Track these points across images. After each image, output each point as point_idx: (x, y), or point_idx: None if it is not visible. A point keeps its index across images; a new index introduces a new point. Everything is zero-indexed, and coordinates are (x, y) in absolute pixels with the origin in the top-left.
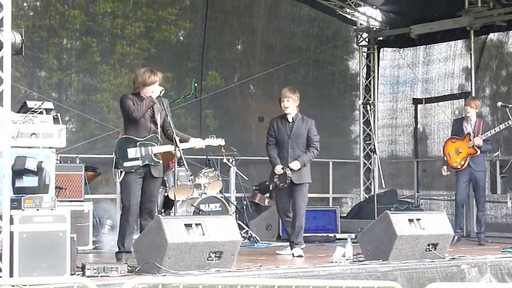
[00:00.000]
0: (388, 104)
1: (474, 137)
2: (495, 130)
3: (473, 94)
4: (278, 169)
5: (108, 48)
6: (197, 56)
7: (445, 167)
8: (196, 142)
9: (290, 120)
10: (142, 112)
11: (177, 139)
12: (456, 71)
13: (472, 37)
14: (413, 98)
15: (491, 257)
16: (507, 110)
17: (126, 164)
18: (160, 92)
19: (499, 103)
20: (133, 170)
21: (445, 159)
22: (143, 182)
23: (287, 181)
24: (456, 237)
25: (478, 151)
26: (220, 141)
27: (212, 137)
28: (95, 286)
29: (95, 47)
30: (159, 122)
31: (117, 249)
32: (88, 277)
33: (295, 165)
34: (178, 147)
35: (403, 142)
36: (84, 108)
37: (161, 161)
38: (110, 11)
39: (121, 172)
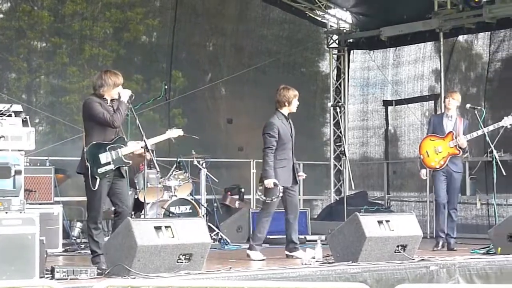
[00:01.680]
0: (358, 106)
1: (456, 136)
2: (480, 132)
3: (442, 96)
4: (271, 183)
5: (77, 50)
6: (166, 57)
7: (424, 171)
8: (157, 138)
9: (288, 119)
10: (122, 120)
11: (147, 141)
12: (426, 73)
13: (442, 39)
14: (383, 100)
15: (460, 258)
16: (476, 112)
17: (100, 170)
18: (131, 97)
19: (468, 105)
20: (107, 175)
21: (421, 158)
22: (114, 185)
23: (279, 196)
24: (441, 243)
25: (461, 152)
26: (179, 131)
27: (171, 129)
28: None
29: (64, 49)
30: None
31: (91, 254)
32: (57, 280)
33: (303, 176)
34: (148, 150)
35: (374, 144)
36: (53, 110)
37: (131, 162)
38: (78, 13)
39: (96, 178)
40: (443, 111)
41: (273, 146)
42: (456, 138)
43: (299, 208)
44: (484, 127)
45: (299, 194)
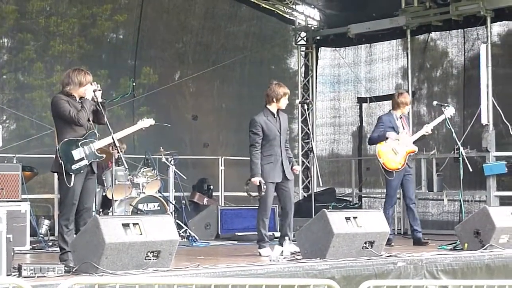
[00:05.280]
0: (328, 103)
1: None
2: (423, 131)
3: (410, 93)
4: (256, 181)
5: (43, 46)
6: (132, 54)
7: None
8: (129, 129)
9: (276, 115)
10: (87, 117)
11: (115, 138)
12: (400, 70)
13: (409, 37)
14: (358, 97)
15: (427, 254)
16: (443, 109)
17: (74, 166)
18: (95, 91)
19: (435, 102)
20: (82, 171)
21: (382, 162)
22: (84, 181)
23: (261, 194)
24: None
25: (417, 149)
26: (151, 121)
27: (142, 120)
28: (30, 287)
29: (30, 45)
30: (91, 116)
31: (59, 251)
32: (24, 277)
33: (298, 169)
34: (116, 146)
35: (347, 140)
36: (20, 107)
37: (104, 155)
38: (45, 8)
39: (71, 175)
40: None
41: (257, 144)
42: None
43: (293, 203)
44: (450, 125)
45: None
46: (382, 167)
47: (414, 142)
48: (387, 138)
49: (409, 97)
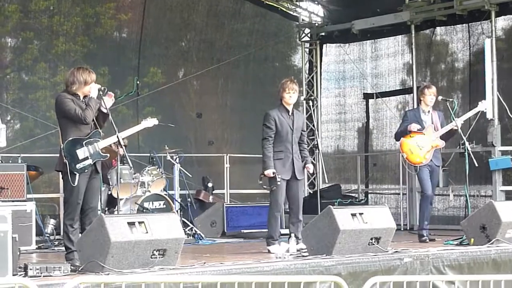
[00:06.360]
0: (333, 99)
1: (435, 128)
2: (451, 126)
3: (415, 89)
4: (270, 173)
5: (46, 45)
6: (136, 52)
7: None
8: (133, 129)
9: (290, 113)
10: (93, 115)
11: (120, 137)
12: (406, 65)
13: (413, 32)
14: (364, 93)
15: (433, 249)
16: (448, 103)
17: (78, 166)
18: (99, 90)
19: (440, 97)
20: (86, 171)
21: (404, 156)
22: (88, 180)
23: (276, 185)
24: (427, 239)
25: (444, 143)
26: (154, 121)
27: (146, 119)
28: (36, 286)
29: (34, 44)
30: (94, 116)
31: (65, 251)
32: (30, 277)
33: (312, 167)
34: (121, 145)
35: (353, 136)
36: (25, 106)
37: (108, 155)
38: (48, 8)
39: (75, 174)
40: (415, 105)
41: (269, 138)
42: (436, 130)
43: (301, 202)
44: (455, 119)
45: None
46: (405, 161)
47: (442, 137)
48: (410, 131)
49: (429, 89)
